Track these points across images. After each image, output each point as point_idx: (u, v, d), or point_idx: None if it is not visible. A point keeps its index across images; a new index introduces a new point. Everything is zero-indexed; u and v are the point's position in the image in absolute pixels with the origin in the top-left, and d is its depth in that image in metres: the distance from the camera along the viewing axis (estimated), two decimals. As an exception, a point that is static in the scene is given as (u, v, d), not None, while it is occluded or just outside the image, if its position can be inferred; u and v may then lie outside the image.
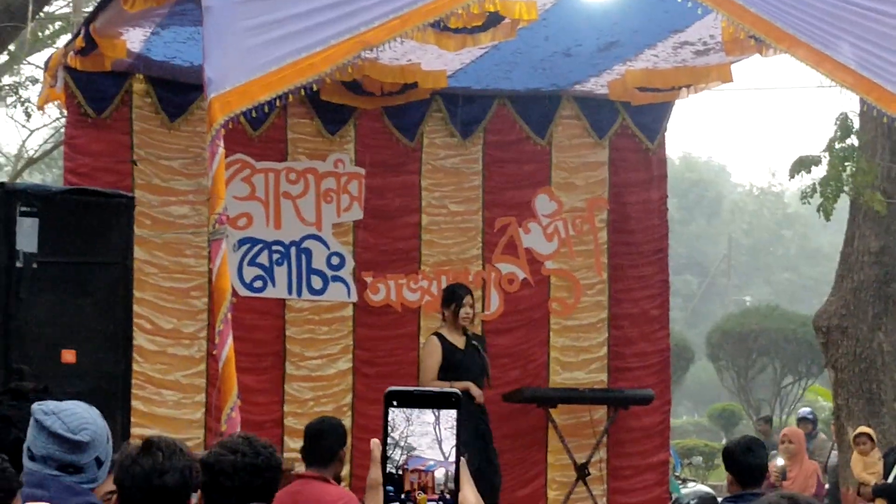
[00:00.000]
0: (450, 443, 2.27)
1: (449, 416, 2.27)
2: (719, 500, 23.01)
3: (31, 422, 4.90)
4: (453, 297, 12.42)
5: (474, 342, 12.33)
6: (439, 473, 2.25)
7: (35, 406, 4.98)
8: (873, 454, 14.96)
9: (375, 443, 2.27)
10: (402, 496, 2.25)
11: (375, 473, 2.26)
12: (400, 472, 2.25)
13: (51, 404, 4.96)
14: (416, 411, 2.27)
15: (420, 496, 2.25)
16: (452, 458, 2.26)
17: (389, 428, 2.27)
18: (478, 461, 11.60)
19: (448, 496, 2.26)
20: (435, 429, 2.26)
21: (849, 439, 15.93)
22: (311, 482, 8.35)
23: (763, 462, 8.18)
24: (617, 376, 14.28)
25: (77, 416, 4.90)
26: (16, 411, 5.40)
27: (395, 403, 2.28)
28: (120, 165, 12.56)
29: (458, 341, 12.26)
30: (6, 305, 7.66)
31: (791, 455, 15.86)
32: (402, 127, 13.73)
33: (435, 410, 2.27)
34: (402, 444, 2.26)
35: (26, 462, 4.89)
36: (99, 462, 4.96)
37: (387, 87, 13.13)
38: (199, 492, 5.66)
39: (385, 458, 2.26)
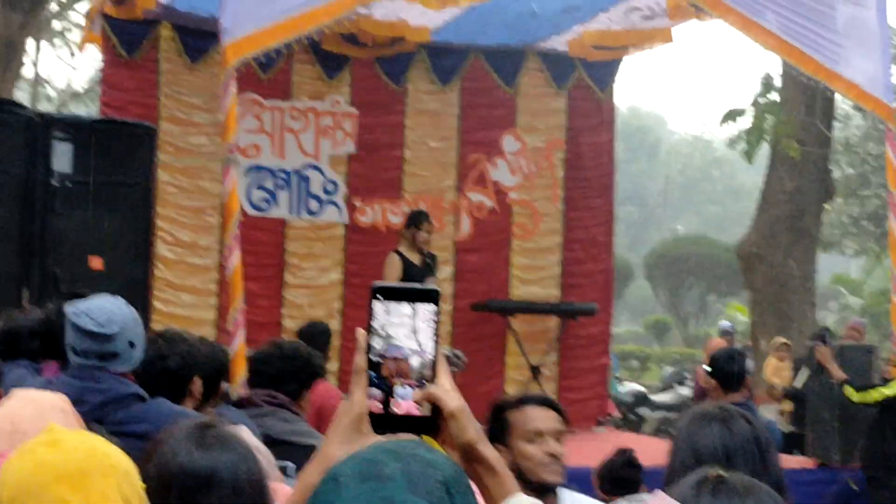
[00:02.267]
0: (426, 334, 2.14)
1: (426, 309, 2.15)
2: (652, 398, 23.16)
3: (67, 322, 4.80)
4: (414, 221, 12.18)
5: (428, 260, 12.23)
6: (415, 361, 2.14)
7: (67, 308, 4.88)
8: (786, 363, 14.97)
9: (361, 332, 2.15)
10: (382, 381, 2.13)
11: (360, 360, 2.15)
12: (379, 359, 2.13)
13: (80, 304, 4.86)
14: (394, 303, 2.15)
15: (396, 381, 2.13)
16: (428, 349, 2.14)
17: (371, 318, 2.15)
18: None
19: (424, 382, 2.14)
20: (412, 320, 2.14)
21: (763, 350, 15.93)
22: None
23: (743, 369, 8.05)
24: (568, 292, 14.25)
25: (104, 310, 4.80)
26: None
27: (378, 297, 2.15)
28: (148, 100, 12.45)
29: (415, 258, 12.10)
30: (43, 218, 7.54)
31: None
32: (390, 74, 13.61)
33: (413, 304, 2.14)
34: (381, 332, 2.14)
35: (72, 357, 4.81)
36: (132, 345, 4.88)
37: (378, 39, 13.05)
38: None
39: (369, 347, 2.14)
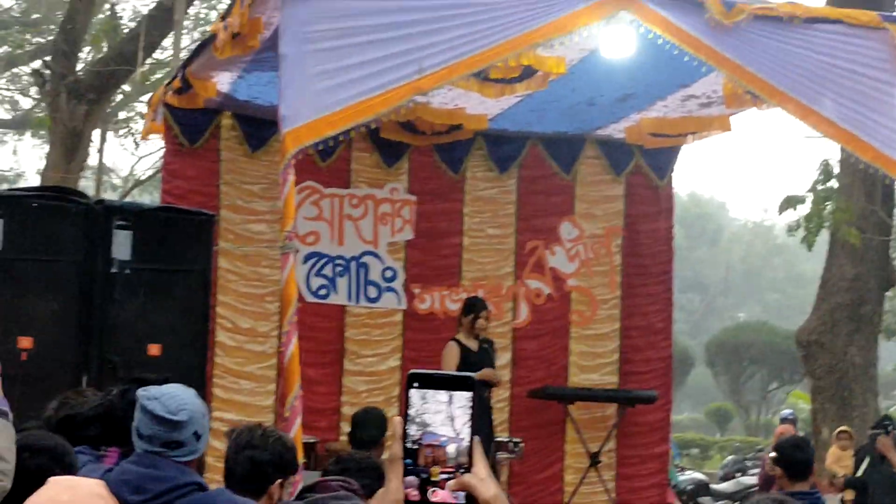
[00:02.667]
0: (462, 420, 2.15)
1: (462, 396, 2.16)
2: (713, 486, 22.92)
3: (137, 406, 4.84)
4: (472, 308, 12.34)
5: (485, 345, 12.27)
6: (451, 448, 2.14)
7: (139, 392, 4.92)
8: (848, 451, 14.80)
9: (397, 420, 2.16)
10: (418, 468, 2.13)
11: (396, 448, 2.15)
12: (416, 446, 2.13)
13: (153, 390, 4.89)
14: (431, 391, 2.15)
15: (433, 469, 2.12)
16: (464, 435, 2.14)
17: (408, 406, 2.15)
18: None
19: (461, 470, 2.13)
20: (448, 407, 2.14)
21: (824, 438, 15.76)
22: (357, 463, 8.19)
23: (809, 458, 7.93)
24: (626, 379, 14.17)
25: (176, 398, 4.83)
26: None
27: (415, 385, 2.16)
28: (209, 188, 12.53)
29: (472, 345, 12.19)
30: (102, 305, 7.59)
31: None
32: (448, 161, 13.67)
33: (449, 391, 2.15)
34: (417, 420, 2.14)
35: (136, 441, 4.84)
36: (197, 436, 4.90)
37: (436, 127, 13.12)
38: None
39: (405, 435, 2.14)
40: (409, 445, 2.14)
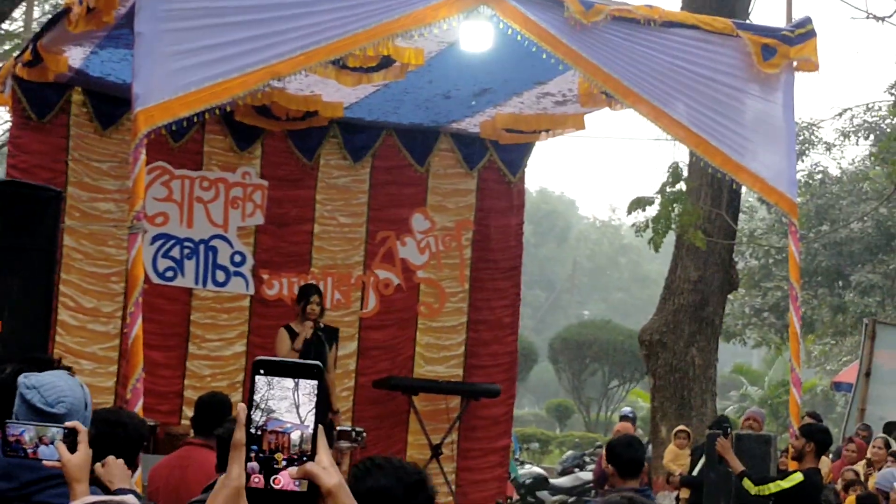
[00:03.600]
0: (307, 408, 2.13)
1: (308, 384, 2.14)
2: (552, 481, 23.17)
3: (17, 394, 4.71)
4: (302, 295, 12.32)
5: (320, 333, 12.16)
6: (295, 436, 2.12)
7: (20, 379, 4.78)
8: (685, 450, 15.03)
9: (241, 406, 2.14)
10: (262, 455, 2.11)
11: (239, 434, 2.13)
12: (259, 432, 2.11)
13: (33, 378, 4.76)
14: (277, 378, 2.13)
15: (277, 455, 2.11)
16: (308, 423, 2.12)
17: (253, 392, 2.13)
18: None
19: (304, 458, 2.12)
20: (294, 394, 2.13)
21: (662, 436, 15.98)
22: (197, 448, 8.12)
23: (640, 457, 8.05)
24: (471, 372, 14.26)
25: (56, 389, 4.71)
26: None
27: (261, 371, 2.14)
28: (57, 164, 12.32)
29: (306, 333, 12.08)
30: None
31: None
32: (302, 148, 13.62)
33: (295, 379, 2.13)
34: (262, 406, 2.12)
35: None
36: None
37: (291, 113, 13.04)
38: None
39: (249, 420, 2.11)
40: (252, 431, 2.12)
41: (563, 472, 24.98)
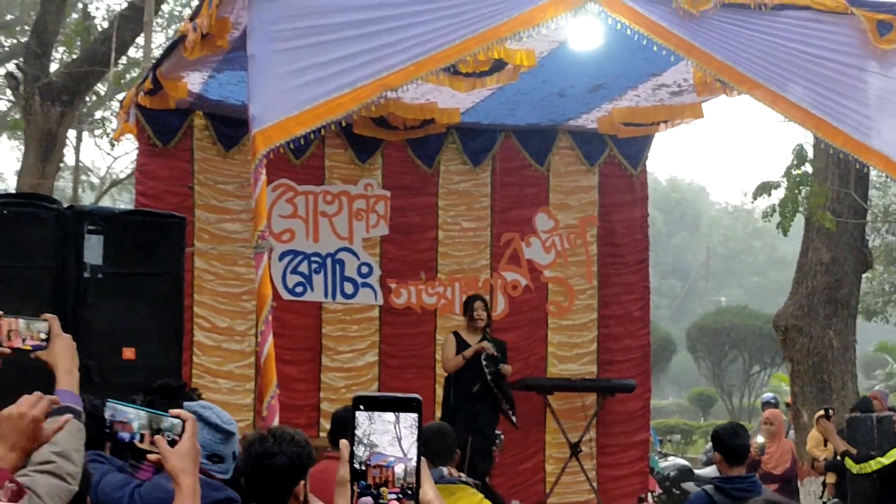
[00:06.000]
0: (409, 441, 2.16)
1: (409, 417, 2.17)
2: (697, 472, 22.98)
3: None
4: (466, 306, 12.63)
5: (487, 339, 12.34)
6: (399, 469, 2.15)
7: (192, 403, 4.88)
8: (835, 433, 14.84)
9: (344, 443, 2.17)
10: (368, 490, 2.14)
11: (343, 471, 2.17)
12: (364, 467, 2.15)
13: (202, 402, 4.86)
14: (377, 413, 2.17)
15: (383, 490, 2.14)
16: (412, 456, 2.16)
17: (355, 428, 2.17)
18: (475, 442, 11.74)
19: (409, 491, 2.15)
20: (395, 427, 2.16)
21: (804, 421, 15.80)
22: (336, 462, 8.21)
23: (746, 444, 8.13)
24: (605, 368, 14.23)
25: (226, 412, 4.81)
26: (171, 408, 5.22)
27: (361, 407, 2.18)
28: (183, 188, 12.53)
29: (472, 340, 12.30)
30: (75, 309, 7.58)
31: (771, 435, 15.72)
32: (422, 156, 13.71)
33: (396, 412, 2.16)
34: (364, 441, 2.16)
35: None
36: (234, 456, 4.88)
37: (409, 122, 13.14)
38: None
39: (352, 456, 2.15)
40: (357, 467, 2.16)
41: (708, 462, 24.74)
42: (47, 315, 4.35)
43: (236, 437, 4.91)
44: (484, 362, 12.15)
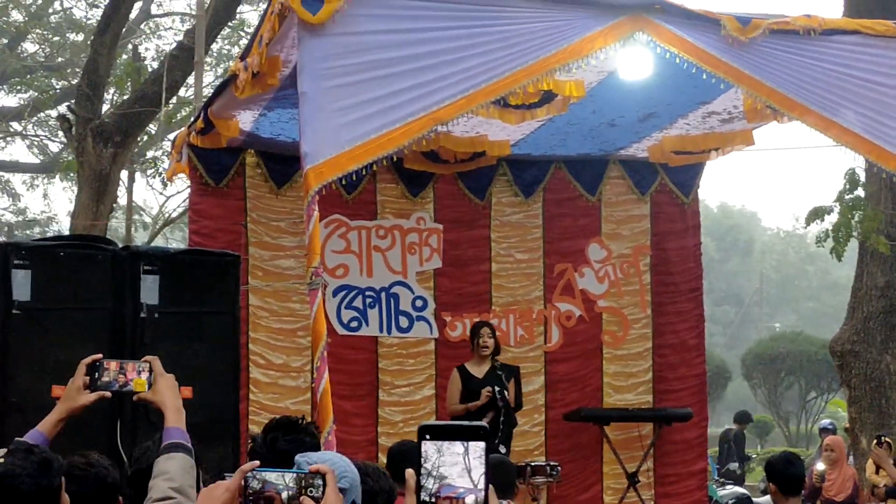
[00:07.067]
0: (478, 471, 2.15)
1: (477, 447, 2.16)
2: (756, 500, 22.79)
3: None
4: (473, 333, 12.42)
5: (499, 371, 12.20)
6: (469, 500, 2.15)
7: (299, 458, 4.84)
8: (888, 460, 14.69)
9: (410, 473, 2.17)
10: None
11: (410, 502, 2.15)
12: (433, 499, 2.14)
13: (313, 456, 4.82)
14: (446, 443, 2.15)
15: None
16: (481, 486, 2.14)
17: (423, 459, 2.15)
18: None
19: None
20: (464, 459, 2.15)
21: (863, 447, 15.65)
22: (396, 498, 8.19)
23: (801, 473, 7.99)
24: (661, 397, 14.14)
25: (337, 466, 4.76)
26: (294, 445, 5.19)
27: (427, 437, 2.17)
28: (236, 226, 12.58)
29: (479, 371, 12.15)
30: (133, 350, 7.59)
31: (832, 461, 15.62)
32: (473, 189, 13.71)
33: (464, 442, 2.15)
34: (434, 473, 2.15)
35: None
36: None
37: (459, 155, 13.16)
38: None
39: (419, 488, 2.14)
40: (426, 499, 2.14)
41: (766, 491, 24.55)
42: (148, 357, 4.56)
43: (353, 489, 4.84)
44: (501, 406, 11.94)
